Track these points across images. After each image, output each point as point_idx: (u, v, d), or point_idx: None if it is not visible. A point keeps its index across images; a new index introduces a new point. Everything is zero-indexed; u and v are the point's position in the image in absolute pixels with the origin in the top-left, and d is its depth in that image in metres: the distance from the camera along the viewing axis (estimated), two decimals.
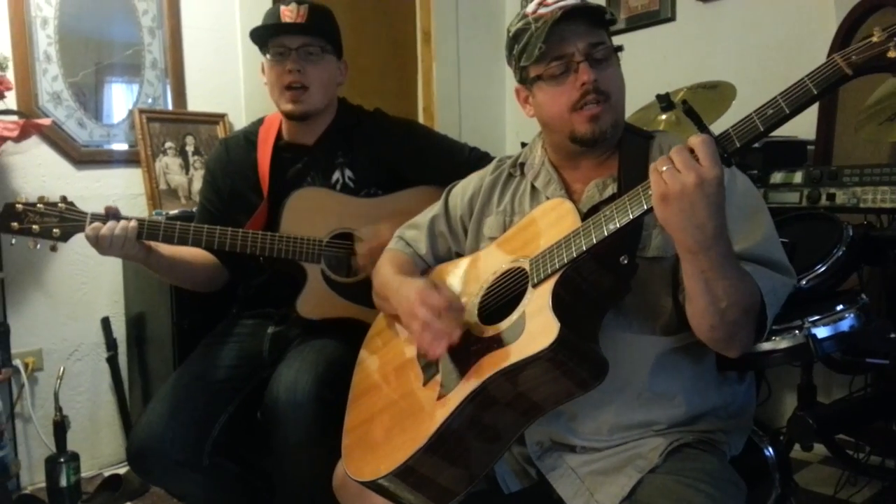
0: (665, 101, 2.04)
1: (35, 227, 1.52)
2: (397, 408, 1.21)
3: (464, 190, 1.46)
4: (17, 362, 2.37)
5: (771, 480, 1.58)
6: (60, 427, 2.32)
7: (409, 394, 1.21)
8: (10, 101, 2.28)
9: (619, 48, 1.24)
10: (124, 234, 1.52)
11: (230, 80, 2.75)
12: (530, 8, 1.23)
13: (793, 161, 2.06)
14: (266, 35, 1.73)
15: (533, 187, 1.33)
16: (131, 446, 1.59)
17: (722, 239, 0.97)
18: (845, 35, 2.12)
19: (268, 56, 1.75)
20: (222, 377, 1.69)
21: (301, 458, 1.51)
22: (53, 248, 1.55)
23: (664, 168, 0.95)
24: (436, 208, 1.49)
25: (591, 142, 1.22)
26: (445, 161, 1.85)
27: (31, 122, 2.19)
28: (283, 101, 1.74)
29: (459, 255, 1.44)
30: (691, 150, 0.95)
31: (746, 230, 1.12)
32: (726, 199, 0.98)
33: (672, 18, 2.78)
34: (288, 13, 1.70)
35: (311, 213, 1.73)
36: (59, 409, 2.33)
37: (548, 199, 1.28)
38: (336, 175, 1.80)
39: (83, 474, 2.38)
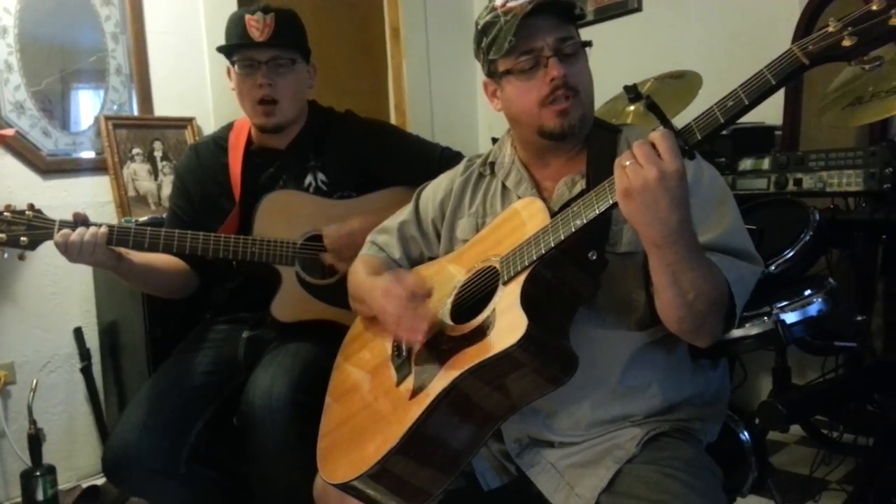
0: (633, 93, 2.06)
1: (2, 235, 1.50)
2: (372, 409, 1.21)
3: (434, 192, 1.45)
4: None
5: (748, 464, 1.60)
6: (35, 440, 2.29)
7: (383, 395, 1.21)
8: None
9: (588, 43, 1.24)
10: (94, 240, 1.50)
11: (197, 83, 2.71)
12: (499, 1, 1.23)
13: (761, 147, 2.08)
14: (234, 50, 1.72)
15: (504, 187, 1.33)
16: (106, 457, 1.57)
17: (686, 232, 0.98)
18: (807, 23, 2.15)
19: (235, 67, 1.73)
20: (197, 383, 1.68)
21: (279, 464, 1.51)
22: (21, 257, 1.52)
23: (627, 163, 0.96)
24: (405, 213, 1.48)
25: (559, 136, 1.22)
26: (417, 161, 1.85)
27: None
28: (255, 115, 1.74)
29: (433, 258, 1.43)
30: (653, 145, 0.95)
31: (712, 221, 1.13)
32: (692, 191, 0.99)
33: (639, 9, 2.79)
34: (255, 24, 1.67)
35: (284, 216, 1.72)
36: (33, 422, 2.30)
37: (519, 198, 1.28)
38: (309, 178, 1.79)
39: (60, 486, 2.35)
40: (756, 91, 0.93)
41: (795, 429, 2.19)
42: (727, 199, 1.18)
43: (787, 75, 0.91)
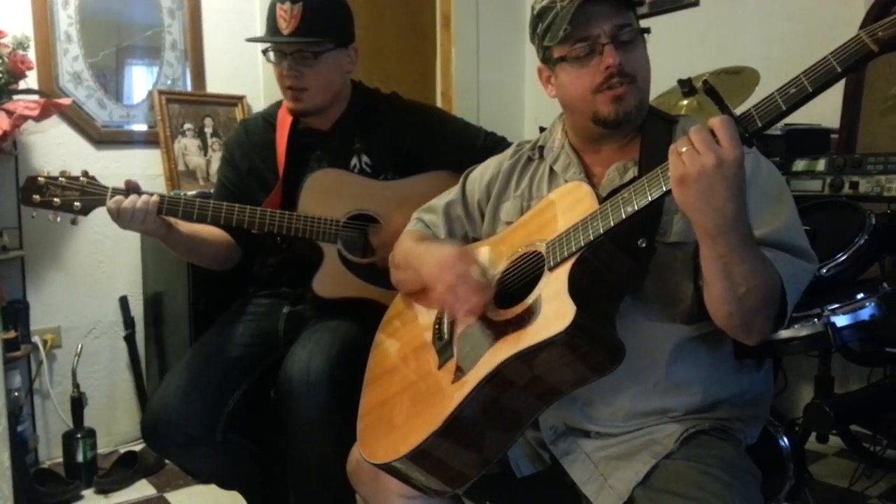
0: (687, 86, 2.02)
1: (56, 199, 1.53)
2: (412, 391, 1.21)
3: (481, 174, 1.44)
4: (36, 339, 2.41)
5: (785, 471, 1.56)
6: (78, 403, 2.36)
7: (424, 377, 1.21)
8: (32, 80, 2.30)
9: (647, 30, 1.22)
10: (145, 208, 1.53)
11: (248, 61, 2.75)
12: None
13: (816, 149, 2.03)
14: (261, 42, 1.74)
15: (552, 171, 1.32)
16: (146, 420, 1.60)
17: (741, 223, 0.96)
18: (874, 20, 2.07)
19: (268, 55, 1.75)
20: (237, 354, 1.70)
21: (313, 439, 1.52)
22: (74, 222, 1.56)
23: (683, 149, 0.94)
24: (452, 193, 1.48)
25: (614, 123, 1.20)
26: (461, 145, 1.84)
27: (51, 102, 2.20)
28: (286, 98, 1.77)
29: (476, 239, 1.43)
30: (711, 132, 0.93)
31: (768, 215, 1.10)
32: (749, 184, 0.96)
33: (696, 3, 2.75)
34: (283, 14, 1.68)
35: (329, 194, 1.73)
36: (76, 385, 2.37)
37: (566, 182, 1.26)
38: (353, 160, 1.81)
39: (99, 451, 2.42)
40: (820, 78, 0.90)
41: (835, 440, 2.14)
42: (784, 194, 1.15)
43: (854, 62, 0.88)
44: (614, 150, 1.26)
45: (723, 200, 0.93)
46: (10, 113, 2.11)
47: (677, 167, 0.94)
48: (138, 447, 2.43)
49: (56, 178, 1.54)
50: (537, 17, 1.23)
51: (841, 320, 1.31)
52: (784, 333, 1.31)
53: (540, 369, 1.04)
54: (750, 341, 1.09)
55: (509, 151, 1.44)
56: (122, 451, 2.48)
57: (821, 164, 1.82)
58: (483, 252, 1.34)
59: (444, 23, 3.29)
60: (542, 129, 1.45)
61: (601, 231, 1.05)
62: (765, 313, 1.04)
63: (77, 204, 1.54)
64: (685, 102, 2.01)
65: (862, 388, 1.96)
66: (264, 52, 1.76)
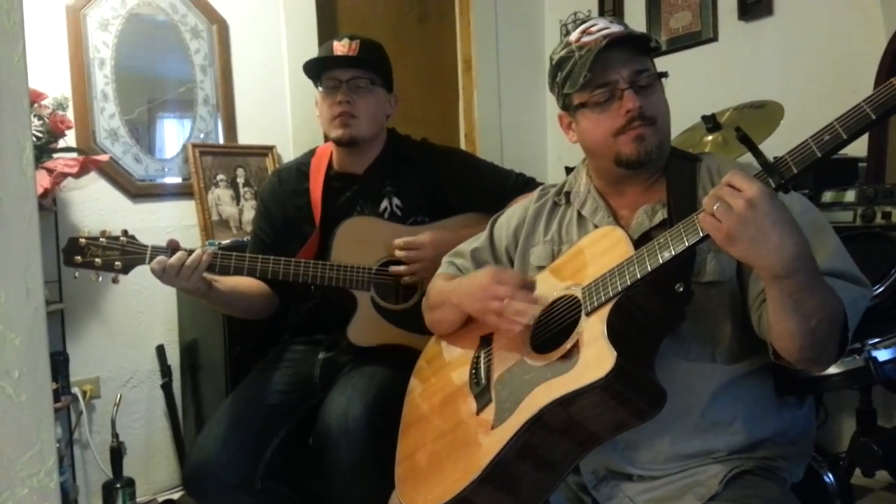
0: (711, 122, 2.03)
1: (97, 260, 1.57)
2: (451, 436, 1.21)
3: (508, 220, 1.46)
4: (76, 390, 2.44)
5: None
6: (117, 453, 2.38)
7: (462, 422, 1.21)
8: (70, 138, 2.37)
9: (664, 74, 1.25)
10: (195, 265, 1.56)
11: (278, 112, 2.82)
12: (574, 36, 1.24)
13: (844, 179, 2.01)
14: (318, 68, 1.79)
15: (580, 215, 1.33)
16: (187, 468, 1.62)
17: (807, 257, 0.95)
18: (894, 54, 2.08)
19: (320, 88, 1.81)
20: (275, 402, 1.72)
21: (353, 485, 1.53)
22: (115, 280, 1.60)
23: (715, 207, 0.95)
24: (479, 240, 1.50)
25: (636, 163, 1.21)
26: (491, 188, 1.87)
27: (89, 159, 2.27)
28: (332, 128, 1.80)
29: None
30: (729, 185, 0.95)
31: (815, 245, 1.09)
32: None
33: (714, 39, 2.76)
34: (340, 47, 1.77)
35: (360, 242, 1.77)
36: (115, 435, 2.40)
37: (596, 226, 1.28)
38: (384, 203, 1.84)
39: (138, 499, 2.43)
40: (855, 125, 0.91)
41: (881, 474, 2.08)
42: (824, 224, 1.15)
43: (889, 110, 0.88)
44: (639, 193, 1.27)
45: (778, 238, 0.92)
46: (50, 171, 2.18)
47: (718, 229, 0.95)
48: (176, 495, 2.45)
49: (97, 239, 1.58)
50: (556, 67, 1.27)
51: (882, 354, 1.30)
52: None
53: (580, 415, 1.05)
54: (818, 370, 1.09)
55: (534, 196, 1.46)
56: (161, 499, 2.50)
57: (850, 195, 1.81)
58: None
59: (466, 66, 3.36)
60: (567, 170, 1.47)
61: (638, 276, 1.06)
62: (833, 341, 1.03)
63: (118, 263, 1.57)
64: (710, 138, 2.02)
65: None
66: (317, 84, 1.82)
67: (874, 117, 0.90)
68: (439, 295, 1.42)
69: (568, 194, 1.38)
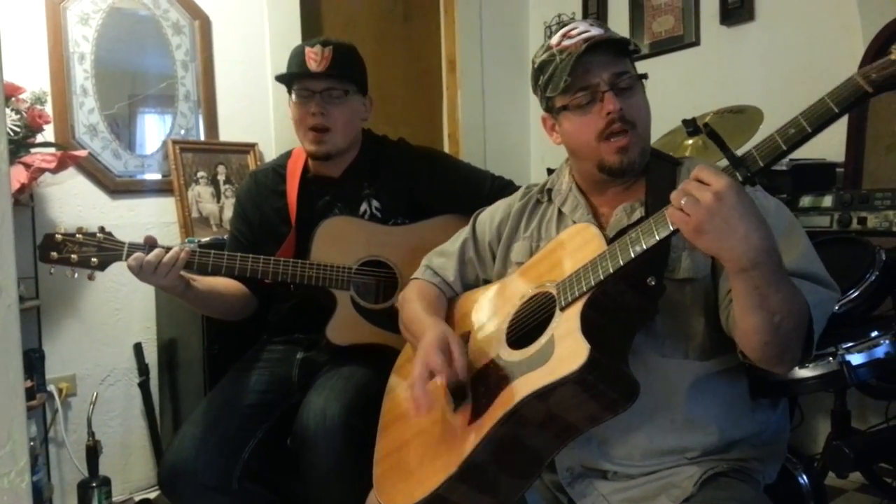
0: (691, 126, 2.03)
1: (74, 256, 1.55)
2: (428, 435, 1.22)
3: (491, 216, 1.47)
4: (52, 388, 2.41)
5: None
6: (93, 452, 2.35)
7: (439, 421, 1.22)
8: (49, 133, 2.34)
9: (644, 76, 1.26)
10: (172, 263, 1.54)
11: (260, 110, 2.80)
12: (555, 40, 1.25)
13: (822, 184, 2.04)
14: (291, 79, 1.78)
15: (560, 212, 1.35)
16: (163, 469, 1.61)
17: (772, 251, 0.96)
18: (873, 58, 2.11)
19: (293, 96, 1.79)
20: (252, 402, 1.71)
21: (331, 485, 1.52)
22: (91, 277, 1.58)
23: (682, 201, 0.96)
24: (465, 234, 1.50)
25: (619, 172, 1.23)
26: (468, 190, 1.87)
27: (68, 154, 2.25)
28: (306, 141, 1.79)
29: (487, 281, 1.45)
30: (697, 180, 0.96)
31: (784, 247, 1.10)
32: None
33: (696, 43, 2.78)
34: (313, 56, 1.74)
35: (340, 242, 1.76)
36: (91, 433, 2.37)
37: (574, 223, 1.29)
38: (363, 206, 1.84)
39: (114, 499, 2.40)
40: (818, 119, 0.92)
41: (855, 475, 2.11)
42: (796, 226, 1.16)
43: (850, 103, 0.90)
44: (620, 192, 1.28)
45: (744, 230, 0.93)
46: (27, 166, 2.15)
47: (686, 222, 0.96)
48: (153, 495, 2.42)
49: (73, 235, 1.56)
50: (538, 70, 1.28)
51: (856, 359, 1.31)
52: (799, 372, 1.31)
53: (556, 408, 1.05)
54: (781, 370, 1.09)
55: (518, 194, 1.47)
56: (137, 499, 2.47)
57: (827, 200, 1.83)
58: (492, 296, 1.36)
59: (450, 66, 3.36)
60: (549, 171, 1.48)
61: (610, 270, 1.07)
62: (797, 341, 1.04)
63: (94, 260, 1.56)
64: (690, 142, 2.03)
65: (877, 425, 1.94)
66: (290, 92, 1.79)
67: (837, 111, 0.91)
68: (409, 322, 1.41)
69: (550, 192, 1.39)
